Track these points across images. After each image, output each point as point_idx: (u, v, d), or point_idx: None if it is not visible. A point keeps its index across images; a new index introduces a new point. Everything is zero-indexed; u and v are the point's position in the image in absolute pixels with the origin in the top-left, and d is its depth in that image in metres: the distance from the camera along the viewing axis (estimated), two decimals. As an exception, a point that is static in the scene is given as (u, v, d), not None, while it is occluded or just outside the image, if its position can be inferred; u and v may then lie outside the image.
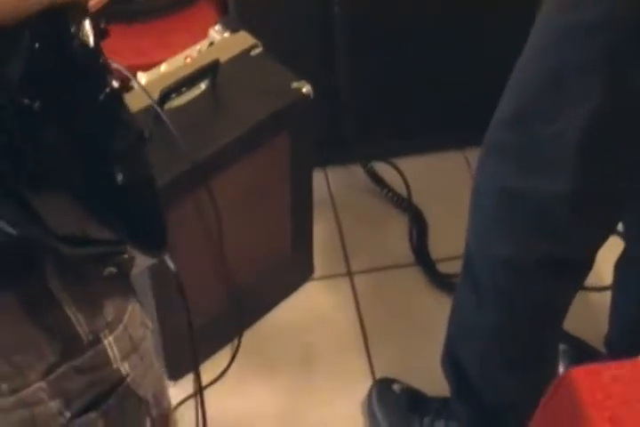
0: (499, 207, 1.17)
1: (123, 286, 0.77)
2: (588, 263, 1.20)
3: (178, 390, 1.55)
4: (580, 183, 1.07)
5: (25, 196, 0.59)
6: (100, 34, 0.62)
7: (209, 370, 1.60)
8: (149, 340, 0.82)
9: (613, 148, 1.04)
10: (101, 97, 0.61)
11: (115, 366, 0.76)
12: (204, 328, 1.58)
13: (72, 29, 0.59)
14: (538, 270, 1.16)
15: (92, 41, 0.60)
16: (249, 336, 1.65)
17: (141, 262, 0.71)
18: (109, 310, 0.75)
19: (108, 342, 0.75)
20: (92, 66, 0.61)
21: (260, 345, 1.66)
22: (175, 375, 1.58)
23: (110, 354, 0.75)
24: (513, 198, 1.13)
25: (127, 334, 0.77)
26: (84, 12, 0.60)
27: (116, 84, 0.62)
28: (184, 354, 1.31)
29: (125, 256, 0.69)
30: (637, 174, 1.09)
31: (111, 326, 0.75)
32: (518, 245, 1.16)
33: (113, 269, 0.69)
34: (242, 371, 1.62)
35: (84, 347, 0.73)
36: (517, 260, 1.16)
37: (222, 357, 1.63)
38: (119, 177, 0.62)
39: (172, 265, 1.11)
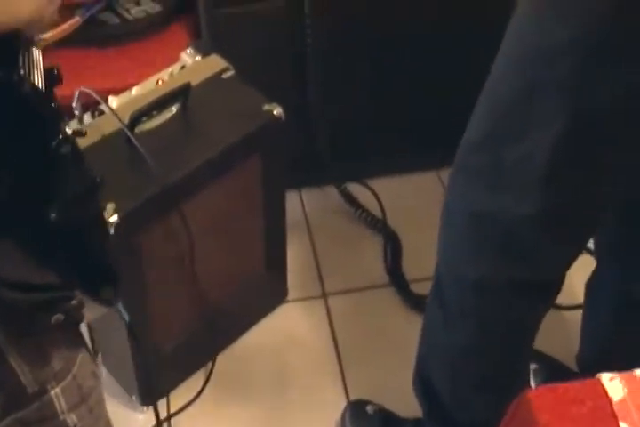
0: (468, 227, 1.16)
1: (72, 335, 0.75)
2: (557, 284, 1.20)
3: (150, 416, 1.54)
4: (550, 201, 1.06)
5: None
6: (53, 79, 0.61)
7: (183, 393, 1.59)
8: (100, 389, 0.79)
9: (595, 152, 1.02)
10: (54, 144, 0.59)
11: (61, 417, 0.74)
12: (178, 352, 1.57)
13: (22, 73, 0.57)
14: (506, 291, 1.16)
15: (43, 86, 0.59)
16: (223, 359, 1.64)
17: (94, 312, 0.68)
18: (57, 361, 0.72)
19: (55, 393, 0.73)
20: (44, 111, 0.60)
21: (234, 368, 1.66)
22: (148, 401, 1.56)
23: (57, 405, 0.73)
24: (481, 219, 1.13)
25: (76, 383, 0.75)
26: (31, 48, 0.59)
27: (69, 130, 0.61)
28: (156, 380, 1.29)
29: (74, 302, 0.66)
30: (620, 177, 1.08)
31: (59, 377, 0.73)
32: (487, 266, 1.16)
33: (60, 317, 0.67)
34: (216, 394, 1.61)
35: (28, 399, 0.71)
36: (486, 280, 1.16)
37: (196, 380, 1.62)
38: (67, 223, 0.60)
39: (125, 314, 1.09)
